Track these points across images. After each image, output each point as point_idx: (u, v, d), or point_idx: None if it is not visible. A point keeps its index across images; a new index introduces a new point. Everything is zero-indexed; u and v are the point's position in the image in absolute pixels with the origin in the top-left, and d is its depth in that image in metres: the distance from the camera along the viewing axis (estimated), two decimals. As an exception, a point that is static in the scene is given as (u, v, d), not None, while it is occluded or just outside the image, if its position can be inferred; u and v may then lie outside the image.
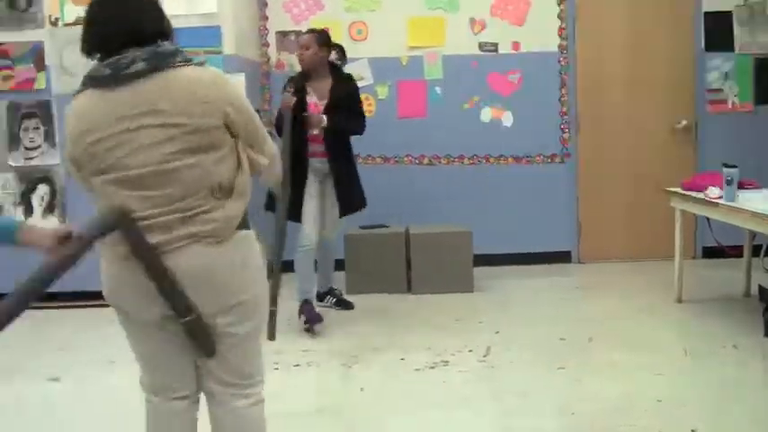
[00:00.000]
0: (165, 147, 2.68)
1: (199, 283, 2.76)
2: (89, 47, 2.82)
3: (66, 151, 2.94)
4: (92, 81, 2.80)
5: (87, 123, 2.80)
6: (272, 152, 2.99)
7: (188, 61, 2.78)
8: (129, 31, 2.75)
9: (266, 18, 7.81)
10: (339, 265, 7.15)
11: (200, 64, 2.84)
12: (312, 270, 6.24)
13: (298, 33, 7.74)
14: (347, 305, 6.62)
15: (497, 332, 5.73)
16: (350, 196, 6.31)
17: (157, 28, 2.84)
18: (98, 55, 2.80)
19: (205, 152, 2.72)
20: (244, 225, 2.89)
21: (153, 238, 2.71)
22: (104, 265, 2.94)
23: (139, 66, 2.68)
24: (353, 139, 6.52)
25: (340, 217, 6.35)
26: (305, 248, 6.13)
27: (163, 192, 2.71)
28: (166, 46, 2.78)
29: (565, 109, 7.79)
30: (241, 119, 2.80)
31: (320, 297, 6.58)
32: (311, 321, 5.94)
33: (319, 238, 6.25)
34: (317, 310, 6.10)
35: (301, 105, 5.96)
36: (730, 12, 7.78)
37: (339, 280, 7.11)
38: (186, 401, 3.09)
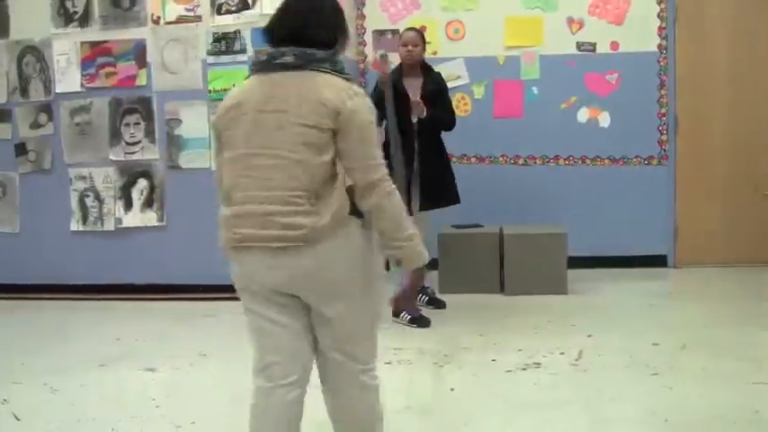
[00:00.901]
0: (275, 136, 2.96)
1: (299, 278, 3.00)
2: (266, 36, 3.22)
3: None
4: (253, 66, 3.20)
5: (237, 98, 3.12)
6: (371, 186, 2.97)
7: (337, 71, 3.05)
8: (292, 30, 3.10)
9: (363, 17, 7.87)
10: (432, 264, 7.15)
11: (348, 79, 3.07)
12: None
13: (394, 32, 7.80)
14: (439, 304, 6.60)
15: (590, 335, 5.67)
16: (435, 191, 6.32)
17: (320, 36, 3.12)
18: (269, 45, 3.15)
19: (312, 151, 2.92)
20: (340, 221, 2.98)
21: (244, 228, 2.99)
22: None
23: (288, 59, 3.02)
24: (446, 139, 6.52)
25: (420, 210, 6.26)
26: None
27: (271, 175, 2.96)
28: (320, 52, 3.04)
29: (663, 110, 7.67)
30: (351, 132, 2.94)
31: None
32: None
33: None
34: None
35: (399, 98, 6.04)
36: None
37: (432, 279, 7.12)
38: (294, 390, 3.24)
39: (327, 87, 2.97)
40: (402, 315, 6.14)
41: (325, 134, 2.93)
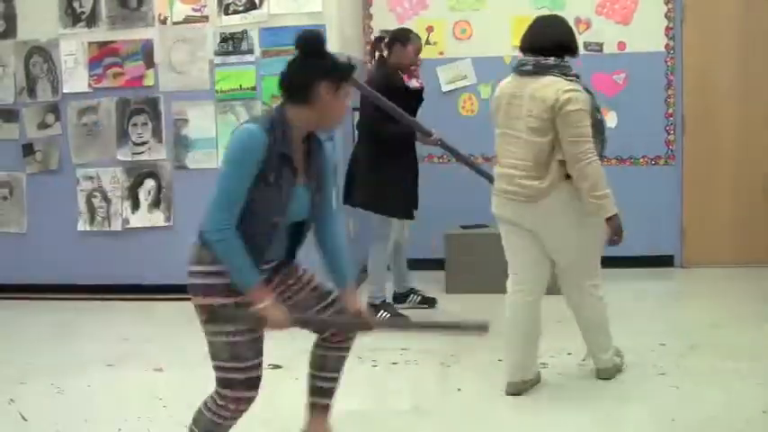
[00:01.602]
0: (517, 122, 4.44)
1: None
2: (521, 45, 4.62)
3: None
4: (514, 68, 4.61)
5: (500, 90, 4.63)
6: (576, 158, 4.32)
7: (563, 74, 4.39)
8: (532, 44, 4.53)
9: (371, 17, 7.87)
10: (438, 264, 7.17)
11: (571, 79, 4.40)
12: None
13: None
14: (432, 303, 6.73)
15: (597, 336, 5.67)
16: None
17: (552, 48, 4.47)
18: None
19: (536, 134, 4.35)
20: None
21: (501, 184, 4.55)
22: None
23: (527, 67, 4.47)
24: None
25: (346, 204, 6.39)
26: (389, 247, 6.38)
27: (513, 150, 4.47)
28: (550, 60, 4.41)
29: (671, 110, 7.66)
30: (560, 119, 4.29)
31: (401, 298, 6.73)
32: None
33: (397, 236, 6.44)
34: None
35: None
36: None
37: (439, 280, 7.13)
38: (528, 296, 4.72)
39: (548, 87, 4.33)
40: (410, 298, 6.63)
41: (545, 122, 4.30)
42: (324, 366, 3.83)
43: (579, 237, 4.53)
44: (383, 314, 6.19)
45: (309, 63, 3.28)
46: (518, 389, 4.62)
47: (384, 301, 6.35)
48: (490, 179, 5.20)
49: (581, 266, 4.67)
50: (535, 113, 4.32)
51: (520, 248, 4.65)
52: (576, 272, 4.67)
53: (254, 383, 3.44)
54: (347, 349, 3.83)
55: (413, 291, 6.75)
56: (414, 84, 6.27)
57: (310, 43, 3.32)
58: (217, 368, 3.46)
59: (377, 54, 6.42)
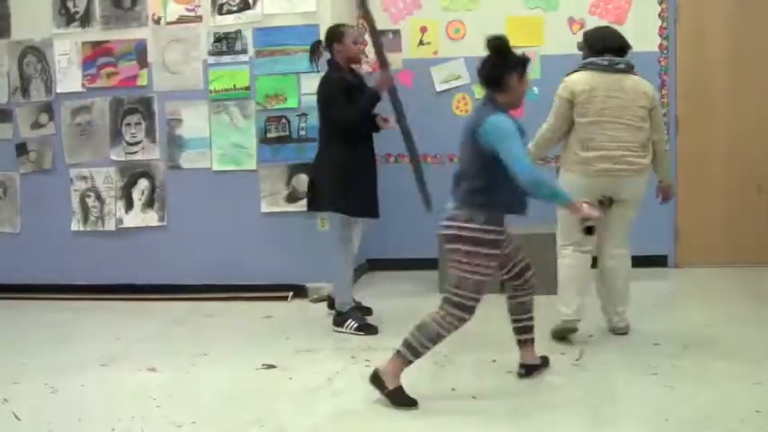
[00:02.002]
0: (624, 111, 5.37)
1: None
2: (599, 48, 5.48)
3: (563, 97, 5.51)
4: (591, 65, 5.45)
5: (589, 84, 5.37)
6: (663, 139, 5.78)
7: (634, 74, 5.50)
8: (619, 46, 5.51)
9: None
10: (432, 264, 7.17)
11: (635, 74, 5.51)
12: None
13: (395, 32, 7.81)
14: (367, 311, 6.44)
15: (591, 335, 5.68)
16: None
17: (625, 48, 5.55)
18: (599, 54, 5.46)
19: (641, 121, 5.41)
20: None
21: (604, 164, 5.36)
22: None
23: (622, 65, 5.43)
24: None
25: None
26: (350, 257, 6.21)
27: (619, 135, 5.37)
28: (630, 60, 5.50)
29: (664, 110, 7.65)
30: (654, 113, 5.52)
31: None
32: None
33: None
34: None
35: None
36: None
37: (433, 279, 7.13)
38: (587, 255, 5.60)
39: (642, 83, 5.47)
40: (347, 324, 5.99)
41: (645, 111, 5.41)
42: (523, 310, 4.92)
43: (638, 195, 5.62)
44: (350, 323, 5.96)
45: (500, 60, 4.50)
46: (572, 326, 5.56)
47: (352, 307, 6.13)
48: (426, 198, 6.06)
49: (630, 226, 5.76)
50: (642, 104, 5.39)
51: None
52: (627, 231, 5.73)
53: (475, 311, 4.58)
54: (533, 291, 4.93)
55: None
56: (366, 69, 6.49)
57: (499, 45, 4.47)
58: (457, 294, 4.51)
59: (319, 60, 6.38)
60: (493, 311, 6.41)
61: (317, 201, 6.08)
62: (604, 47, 5.46)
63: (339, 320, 6.02)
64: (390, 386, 4.45)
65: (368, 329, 5.95)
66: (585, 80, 5.39)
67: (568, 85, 5.46)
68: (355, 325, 5.96)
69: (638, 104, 5.38)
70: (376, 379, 4.49)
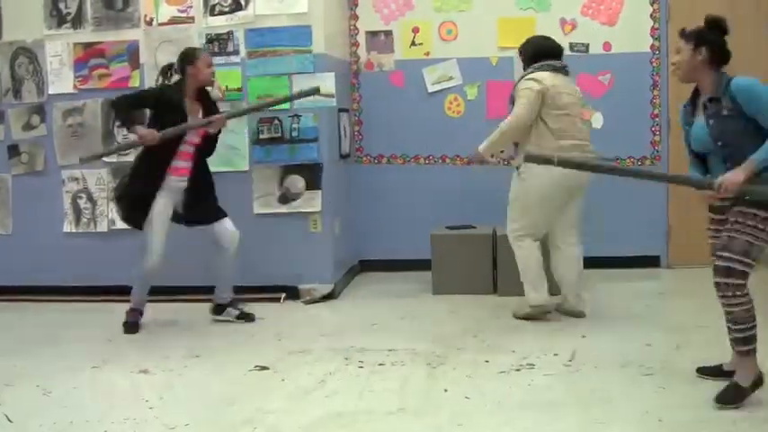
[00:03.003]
0: (576, 108, 6.03)
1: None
2: (544, 53, 6.12)
3: (536, 90, 5.87)
4: (548, 66, 6.01)
5: (552, 81, 5.91)
6: None
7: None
8: (559, 52, 6.17)
9: (356, 18, 7.86)
10: (425, 265, 7.18)
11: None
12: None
13: (387, 33, 7.82)
14: (248, 317, 6.40)
15: (583, 336, 5.69)
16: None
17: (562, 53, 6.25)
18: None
19: None
20: None
21: (576, 151, 5.83)
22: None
23: (568, 69, 6.13)
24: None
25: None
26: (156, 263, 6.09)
27: (580, 126, 6.01)
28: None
29: (656, 111, 7.69)
30: None
31: (220, 309, 6.44)
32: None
33: (223, 247, 6.19)
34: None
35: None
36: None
37: (425, 280, 7.13)
38: (538, 242, 6.12)
39: (573, 83, 6.20)
40: (226, 311, 6.38)
41: None
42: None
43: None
44: (231, 311, 6.37)
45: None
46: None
47: (231, 300, 6.40)
48: None
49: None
50: (581, 103, 6.11)
51: (557, 208, 6.05)
52: (579, 217, 6.21)
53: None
54: None
55: (232, 303, 6.45)
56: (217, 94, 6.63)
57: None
58: (747, 264, 4.21)
59: (164, 81, 6.54)
60: (486, 312, 6.45)
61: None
62: (547, 52, 6.11)
63: (216, 311, 6.47)
64: (748, 384, 4.33)
65: (247, 317, 6.39)
66: (550, 78, 5.94)
67: (539, 80, 5.90)
68: (236, 312, 6.41)
69: (581, 103, 6.14)
70: (734, 392, 4.33)
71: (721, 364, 4.64)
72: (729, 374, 4.51)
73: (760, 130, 4.19)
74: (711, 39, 4.39)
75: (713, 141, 4.33)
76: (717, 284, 4.30)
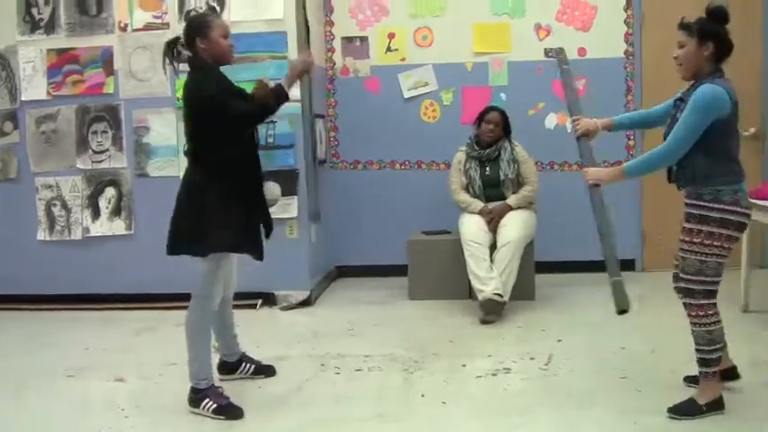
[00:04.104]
0: None
1: None
2: None
3: None
4: None
5: None
6: None
7: None
8: None
9: (332, 24, 7.86)
10: (401, 271, 7.18)
11: None
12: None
13: (363, 39, 7.82)
14: (269, 371, 5.23)
15: (559, 340, 5.70)
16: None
17: None
18: None
19: None
20: None
21: None
22: None
23: None
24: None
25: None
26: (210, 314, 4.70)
27: None
28: None
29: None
30: None
31: (233, 367, 5.19)
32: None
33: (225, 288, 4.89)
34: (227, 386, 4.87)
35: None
36: (799, 19, 7.70)
37: (402, 286, 7.13)
38: None
39: None
40: (204, 404, 4.54)
41: None
42: None
43: None
44: (208, 403, 4.52)
45: None
46: None
47: (212, 385, 4.65)
48: None
49: None
50: None
51: None
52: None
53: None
54: None
55: (244, 358, 5.23)
56: None
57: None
58: (705, 282, 4.19)
59: (177, 62, 4.74)
60: (463, 317, 6.46)
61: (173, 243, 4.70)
62: None
63: (193, 400, 4.63)
64: (705, 402, 4.25)
65: (230, 413, 4.53)
66: None
67: None
68: (213, 406, 4.55)
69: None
70: (687, 405, 4.30)
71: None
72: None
73: (710, 143, 4.15)
74: (716, 31, 4.18)
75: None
76: (683, 304, 4.35)
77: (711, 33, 4.17)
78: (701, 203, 4.18)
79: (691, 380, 4.68)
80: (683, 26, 4.27)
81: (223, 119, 4.43)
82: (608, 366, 5.10)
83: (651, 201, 7.68)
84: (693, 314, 4.22)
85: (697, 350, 4.26)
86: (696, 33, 4.19)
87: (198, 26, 4.56)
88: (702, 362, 4.24)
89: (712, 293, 4.18)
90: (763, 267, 7.73)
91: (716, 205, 4.12)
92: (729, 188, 4.12)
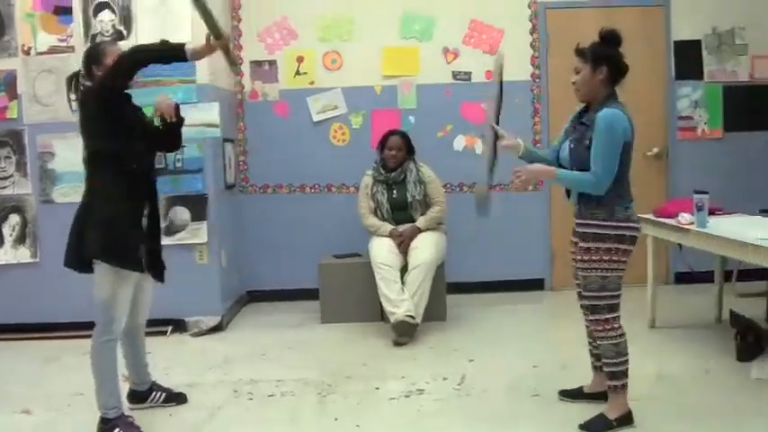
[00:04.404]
0: None
1: None
2: None
3: None
4: None
5: None
6: None
7: None
8: None
9: (241, 47, 7.83)
10: (313, 294, 7.15)
11: None
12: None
13: (272, 63, 7.80)
14: (180, 398, 5.11)
15: (471, 360, 5.74)
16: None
17: None
18: None
19: None
20: None
21: None
22: None
23: None
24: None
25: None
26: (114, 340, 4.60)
27: None
28: None
29: (537, 137, 7.83)
30: None
31: (144, 396, 5.05)
32: None
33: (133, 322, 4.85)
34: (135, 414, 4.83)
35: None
36: (700, 41, 7.92)
37: (314, 309, 7.11)
38: None
39: None
40: (151, 396, 4.99)
41: None
42: (591, 336, 4.67)
43: None
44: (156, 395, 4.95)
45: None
46: None
47: (122, 414, 4.59)
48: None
49: None
50: None
51: None
52: None
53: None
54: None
55: (155, 386, 5.10)
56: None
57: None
58: (608, 297, 4.29)
59: (79, 92, 4.84)
60: (375, 340, 6.46)
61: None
62: None
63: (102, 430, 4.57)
64: (615, 417, 4.34)
65: (177, 398, 5.01)
66: None
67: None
68: (163, 395, 5.00)
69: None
70: (597, 421, 4.36)
71: (582, 387, 4.72)
72: (590, 396, 4.62)
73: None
74: (610, 54, 4.28)
75: (570, 165, 4.37)
76: (589, 321, 4.42)
77: (605, 57, 4.28)
78: (596, 222, 4.26)
79: (565, 394, 4.82)
80: (579, 52, 4.38)
81: (112, 98, 4.47)
82: (520, 384, 5.14)
83: (560, 220, 7.77)
84: (600, 329, 4.29)
85: (605, 364, 4.33)
86: (590, 59, 4.30)
87: (94, 55, 4.64)
88: (611, 375, 4.31)
89: (615, 307, 4.28)
90: (668, 283, 7.91)
91: (611, 222, 4.22)
92: (621, 206, 4.24)
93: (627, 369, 4.32)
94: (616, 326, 4.28)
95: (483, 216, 4.87)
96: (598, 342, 4.35)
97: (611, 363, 4.29)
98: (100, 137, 4.52)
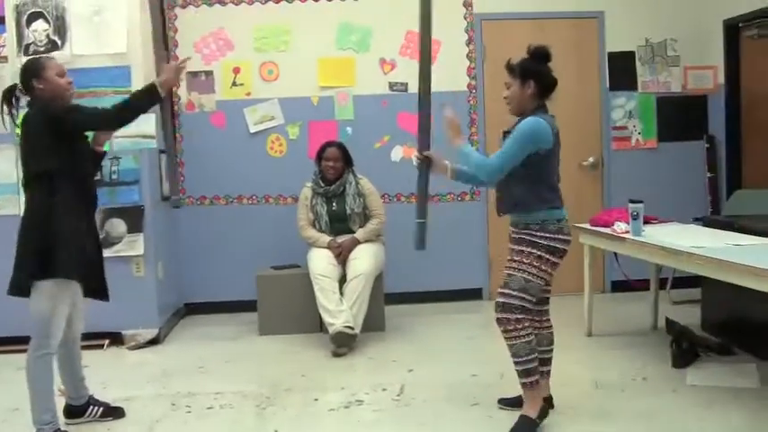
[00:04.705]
0: None
1: None
2: None
3: None
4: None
5: None
6: None
7: None
8: None
9: (176, 58, 7.76)
10: (251, 306, 7.13)
11: None
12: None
13: (208, 74, 7.77)
14: (118, 413, 5.05)
15: (411, 370, 5.76)
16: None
17: None
18: None
19: None
20: None
21: None
22: None
23: None
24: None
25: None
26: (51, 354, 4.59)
27: None
28: None
29: (475, 147, 7.87)
30: None
31: (80, 411, 4.98)
32: None
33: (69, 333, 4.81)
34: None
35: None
36: (633, 52, 8.05)
37: (252, 321, 7.08)
38: None
39: None
40: (89, 411, 4.96)
41: None
42: (542, 343, 4.69)
43: None
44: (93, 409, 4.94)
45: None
46: None
47: (58, 429, 4.55)
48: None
49: None
50: None
51: None
52: None
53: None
54: (551, 327, 4.82)
55: (91, 401, 5.03)
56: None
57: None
58: (525, 300, 4.40)
59: (17, 110, 4.85)
60: (314, 351, 6.45)
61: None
62: None
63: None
64: (536, 415, 4.46)
65: (115, 413, 5.01)
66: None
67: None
68: (101, 409, 4.99)
69: None
70: (524, 423, 4.45)
71: (520, 395, 4.75)
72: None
73: (531, 173, 4.39)
74: (537, 70, 4.46)
75: None
76: (498, 320, 4.46)
77: (533, 73, 4.46)
78: (530, 232, 4.40)
79: (505, 402, 4.89)
80: (509, 68, 4.56)
81: (75, 128, 4.62)
82: (459, 394, 5.17)
83: (496, 229, 7.83)
84: (511, 328, 4.39)
85: (517, 363, 4.43)
86: (519, 74, 4.48)
87: (33, 69, 4.64)
88: (525, 373, 4.42)
89: (527, 310, 4.41)
90: (605, 292, 8.01)
91: (543, 234, 4.37)
92: (553, 218, 4.38)
93: (537, 365, 4.45)
94: (527, 324, 4.40)
95: (420, 249, 5.18)
96: (511, 342, 4.42)
97: (523, 361, 4.40)
98: (48, 156, 4.49)
